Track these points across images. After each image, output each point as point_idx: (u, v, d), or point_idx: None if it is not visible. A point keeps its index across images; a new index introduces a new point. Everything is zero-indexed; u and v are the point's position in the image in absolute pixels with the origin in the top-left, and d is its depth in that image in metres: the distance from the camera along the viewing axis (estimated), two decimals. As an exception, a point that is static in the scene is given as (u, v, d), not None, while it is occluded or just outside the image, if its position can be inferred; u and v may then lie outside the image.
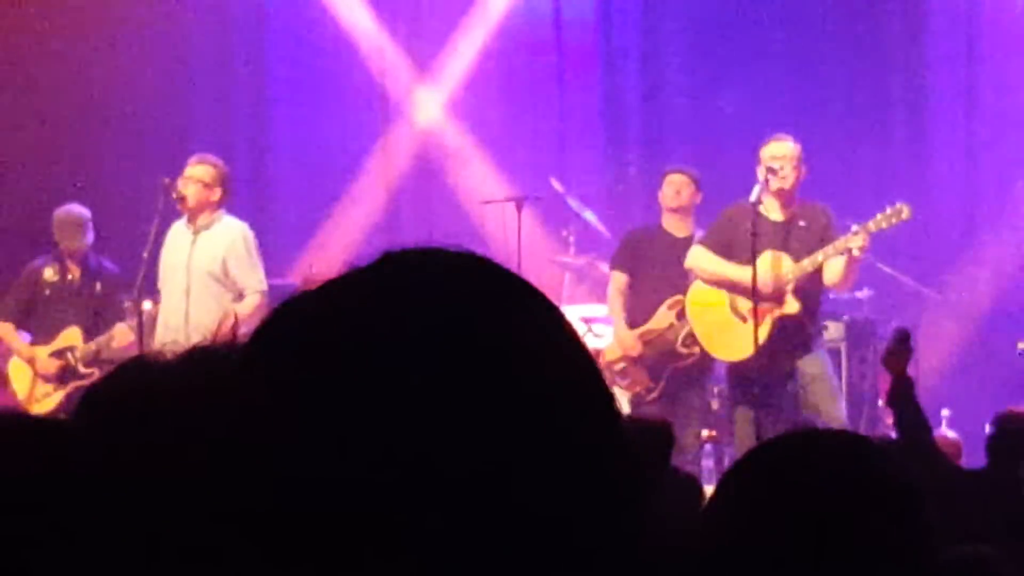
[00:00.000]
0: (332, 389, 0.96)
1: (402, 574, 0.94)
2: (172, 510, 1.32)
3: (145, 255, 8.30)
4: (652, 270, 8.48)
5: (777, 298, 7.69)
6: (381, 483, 0.95)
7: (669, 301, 8.39)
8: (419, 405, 0.95)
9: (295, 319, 1.02)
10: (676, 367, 8.35)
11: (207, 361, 1.44)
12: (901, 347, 5.37)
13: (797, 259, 7.71)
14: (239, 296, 8.32)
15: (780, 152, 7.79)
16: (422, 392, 0.96)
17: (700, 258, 8.02)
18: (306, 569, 0.95)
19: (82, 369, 8.70)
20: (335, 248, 11.05)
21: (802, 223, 7.78)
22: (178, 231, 8.42)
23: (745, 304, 7.74)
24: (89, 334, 8.72)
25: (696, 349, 8.27)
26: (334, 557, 0.95)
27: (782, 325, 7.70)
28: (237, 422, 1.00)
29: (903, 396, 5.19)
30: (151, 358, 1.52)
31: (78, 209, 8.90)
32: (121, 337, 8.64)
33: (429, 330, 0.98)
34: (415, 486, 0.94)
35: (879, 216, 7.56)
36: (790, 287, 7.69)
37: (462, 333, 0.98)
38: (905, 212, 7.53)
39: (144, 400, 1.44)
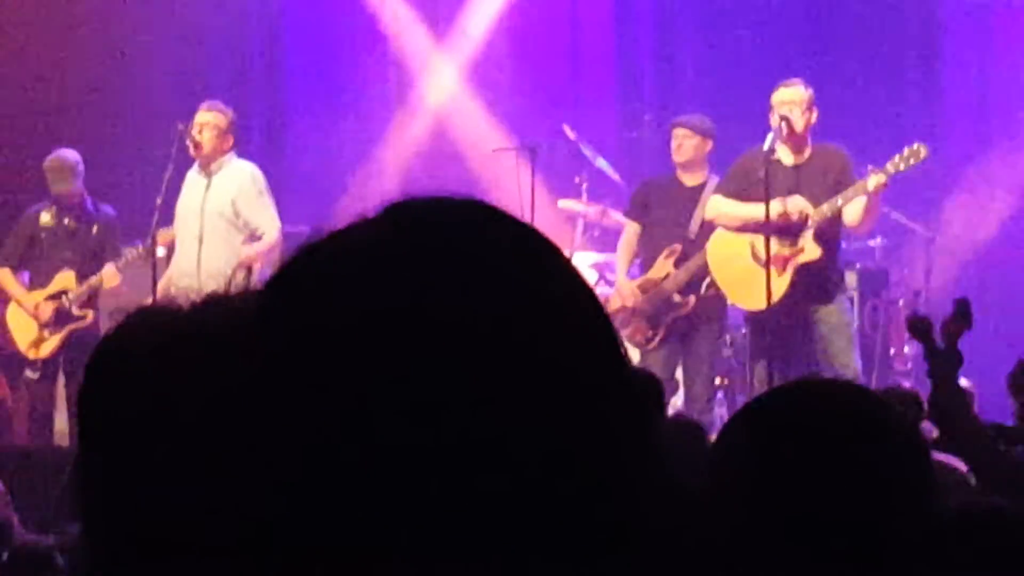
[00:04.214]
0: (341, 342, 0.97)
1: (418, 517, 0.95)
2: (185, 461, 1.33)
3: (159, 201, 8.34)
4: (662, 219, 8.45)
5: (797, 239, 7.64)
6: (396, 430, 0.95)
7: (666, 251, 8.36)
8: (428, 352, 0.96)
9: (305, 271, 1.02)
10: (674, 316, 8.33)
11: (220, 310, 1.45)
12: (961, 319, 5.02)
13: (812, 202, 7.67)
14: (251, 238, 8.36)
15: (789, 97, 7.76)
16: (430, 340, 0.96)
17: (720, 206, 7.98)
18: (326, 515, 0.97)
19: (76, 311, 8.75)
20: (353, 206, 10.97)
21: (816, 165, 7.75)
22: (192, 178, 8.53)
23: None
24: (84, 277, 8.77)
25: (691, 299, 8.24)
26: (350, 504, 0.96)
27: (805, 272, 7.67)
28: (251, 371, 1.01)
29: (947, 374, 4.83)
30: (164, 306, 1.52)
31: (67, 153, 8.90)
32: (109, 278, 8.68)
33: (434, 280, 0.98)
34: (431, 432, 0.95)
35: (896, 157, 7.52)
36: (810, 232, 7.65)
37: (468, 280, 0.98)
38: (923, 152, 7.49)
39: (157, 349, 1.44)
